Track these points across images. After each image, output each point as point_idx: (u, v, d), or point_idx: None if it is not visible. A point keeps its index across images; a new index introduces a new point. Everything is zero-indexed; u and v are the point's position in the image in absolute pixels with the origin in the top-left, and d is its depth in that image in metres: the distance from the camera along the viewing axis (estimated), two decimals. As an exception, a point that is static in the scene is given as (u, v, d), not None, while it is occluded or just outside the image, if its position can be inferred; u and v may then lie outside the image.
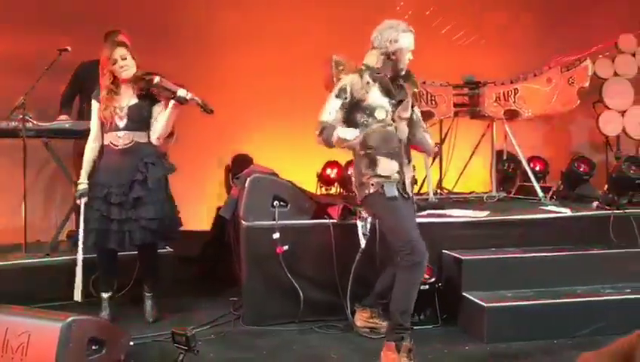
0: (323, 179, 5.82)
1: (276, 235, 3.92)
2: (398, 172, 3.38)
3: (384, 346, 3.31)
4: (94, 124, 3.94)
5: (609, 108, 6.46)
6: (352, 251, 3.78)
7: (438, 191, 5.52)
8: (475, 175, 6.19)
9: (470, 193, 5.83)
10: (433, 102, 5.15)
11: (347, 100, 3.38)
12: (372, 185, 3.36)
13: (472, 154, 5.87)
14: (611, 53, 6.34)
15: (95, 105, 3.92)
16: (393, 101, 3.41)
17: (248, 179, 4.15)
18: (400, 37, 3.36)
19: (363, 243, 3.68)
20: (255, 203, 4.08)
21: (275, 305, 4.02)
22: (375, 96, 3.38)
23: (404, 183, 3.41)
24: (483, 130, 5.69)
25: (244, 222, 4.05)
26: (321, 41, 5.72)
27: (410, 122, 3.52)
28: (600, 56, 6.16)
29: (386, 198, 3.32)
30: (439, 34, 6.32)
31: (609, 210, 4.52)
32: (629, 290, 3.98)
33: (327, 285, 3.97)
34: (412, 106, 3.53)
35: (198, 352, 2.99)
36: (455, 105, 5.28)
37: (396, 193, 3.33)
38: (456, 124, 5.53)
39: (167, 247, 4.57)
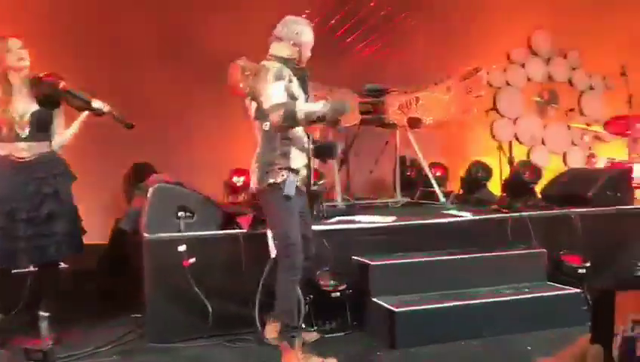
0: (230, 187, 5.70)
1: (182, 248, 3.76)
2: (305, 166, 3.41)
3: (281, 350, 3.32)
4: None
5: (502, 116, 6.83)
6: (262, 261, 3.70)
7: (346, 197, 5.54)
8: (379, 181, 6.30)
9: (375, 199, 5.91)
10: (339, 110, 5.15)
11: (287, 83, 3.24)
12: (280, 175, 3.29)
13: (376, 161, 5.96)
14: (504, 64, 6.70)
15: None
16: (306, 95, 3.40)
17: (151, 188, 3.96)
18: (304, 30, 3.40)
19: (273, 252, 3.60)
20: (159, 214, 3.91)
21: (181, 320, 3.86)
22: (295, 88, 3.33)
23: (307, 178, 3.43)
24: (387, 137, 5.79)
25: (146, 235, 3.86)
26: (220, 48, 5.58)
27: None
28: (493, 66, 6.49)
29: (282, 195, 3.28)
30: (344, 43, 6.38)
31: (506, 212, 4.72)
32: (527, 289, 4.17)
33: (237, 297, 3.86)
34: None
35: None
36: (361, 113, 5.33)
37: (293, 192, 3.30)
38: (362, 132, 5.60)
39: (61, 263, 4.26)
